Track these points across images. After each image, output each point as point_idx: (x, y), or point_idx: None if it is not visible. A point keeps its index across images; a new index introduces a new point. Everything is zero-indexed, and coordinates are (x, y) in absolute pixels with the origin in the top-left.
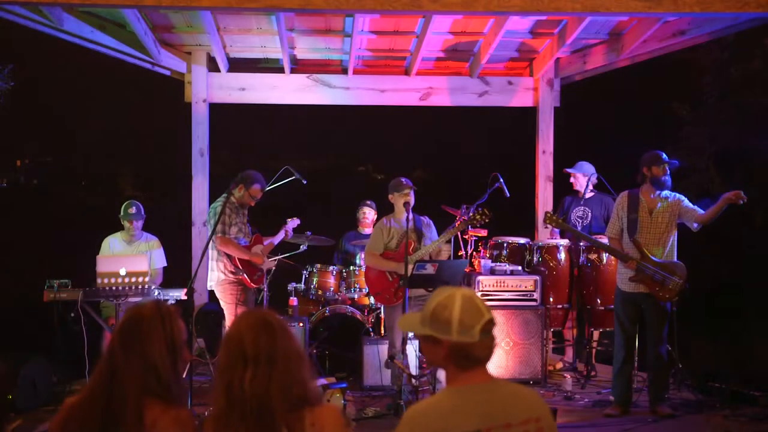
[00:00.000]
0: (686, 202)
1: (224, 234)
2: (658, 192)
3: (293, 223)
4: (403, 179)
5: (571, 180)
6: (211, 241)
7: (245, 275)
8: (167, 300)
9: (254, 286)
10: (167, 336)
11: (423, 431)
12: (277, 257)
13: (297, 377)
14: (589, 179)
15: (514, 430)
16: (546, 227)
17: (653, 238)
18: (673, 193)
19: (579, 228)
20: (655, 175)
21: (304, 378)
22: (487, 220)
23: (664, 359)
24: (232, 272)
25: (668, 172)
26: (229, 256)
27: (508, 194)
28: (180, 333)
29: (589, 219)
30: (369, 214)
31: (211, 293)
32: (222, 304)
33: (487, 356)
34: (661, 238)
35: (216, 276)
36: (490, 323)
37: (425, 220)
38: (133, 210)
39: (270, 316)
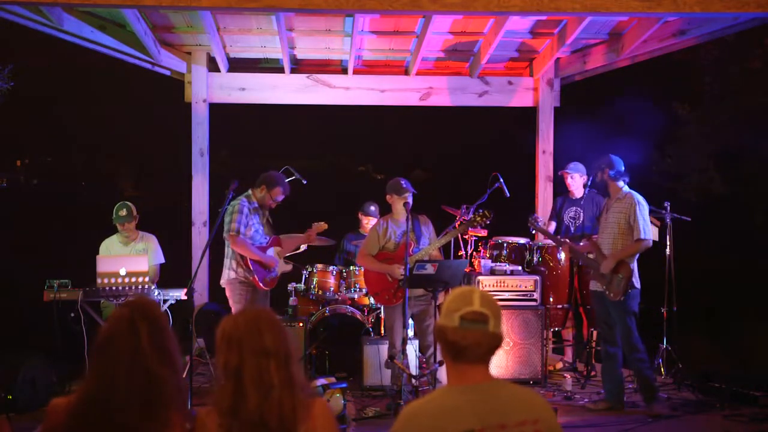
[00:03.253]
0: (638, 213)
1: (237, 233)
2: (618, 191)
3: (316, 227)
4: (402, 182)
5: (568, 181)
6: (225, 240)
7: (256, 277)
8: (167, 300)
9: (264, 288)
10: (158, 336)
11: (416, 428)
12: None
13: (302, 377)
14: (588, 180)
15: (509, 431)
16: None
17: (605, 236)
18: (634, 195)
19: (572, 229)
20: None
21: (303, 377)
22: (487, 222)
23: (637, 359)
24: (243, 273)
25: (596, 175)
26: (242, 257)
27: (508, 194)
28: (165, 325)
29: (581, 219)
30: (372, 222)
31: (211, 293)
32: (230, 302)
33: (467, 348)
34: (610, 237)
35: (227, 274)
36: (476, 314)
37: (422, 218)
38: (123, 212)
39: (276, 317)
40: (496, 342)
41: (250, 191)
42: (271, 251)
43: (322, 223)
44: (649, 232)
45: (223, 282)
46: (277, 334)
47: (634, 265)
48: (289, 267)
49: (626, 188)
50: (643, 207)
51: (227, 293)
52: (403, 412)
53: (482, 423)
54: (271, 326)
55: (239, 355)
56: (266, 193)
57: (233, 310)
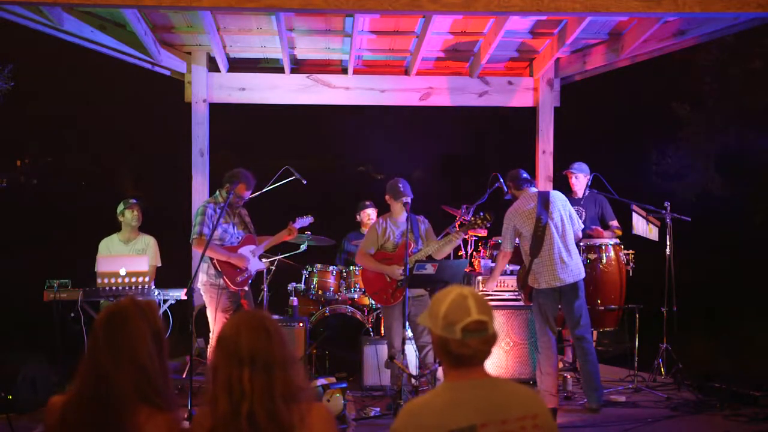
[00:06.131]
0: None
1: (200, 235)
2: None
3: (302, 221)
4: (400, 185)
5: (572, 180)
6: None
7: (225, 278)
8: (167, 300)
9: (235, 288)
10: (153, 333)
11: (418, 425)
12: (276, 257)
13: (295, 382)
14: (589, 179)
15: (510, 426)
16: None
17: None
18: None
19: None
20: None
21: (300, 382)
22: (488, 225)
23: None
24: (213, 275)
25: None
26: (211, 258)
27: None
28: (162, 326)
29: (583, 218)
30: (372, 214)
31: None
32: (206, 305)
33: (472, 356)
34: None
35: (201, 277)
36: (477, 324)
37: (420, 218)
38: (133, 200)
39: (266, 320)
40: (495, 342)
41: (217, 192)
42: (244, 250)
43: (309, 216)
44: (505, 242)
45: (198, 285)
46: (259, 339)
47: (535, 266)
48: (265, 265)
49: (528, 191)
50: (506, 218)
51: (203, 296)
52: (404, 408)
53: (484, 418)
54: (254, 331)
55: (217, 357)
56: (231, 191)
57: (208, 312)
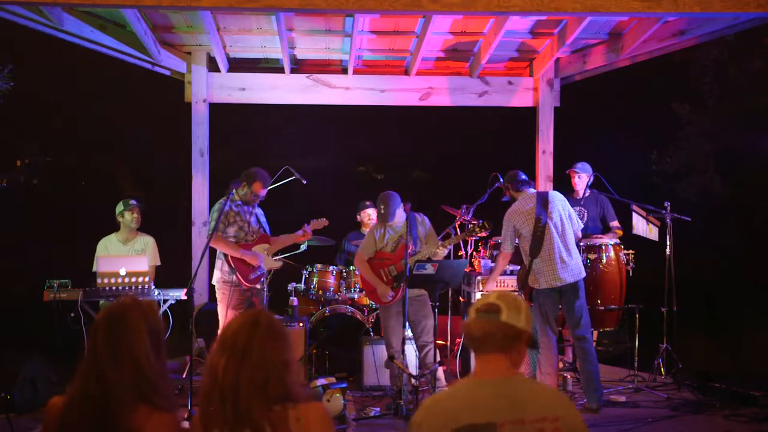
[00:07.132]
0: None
1: (216, 232)
2: None
3: (315, 224)
4: (382, 209)
5: (575, 180)
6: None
7: (238, 274)
8: (167, 300)
9: (248, 285)
10: (151, 332)
11: (435, 416)
12: (279, 257)
13: (273, 376)
14: (590, 179)
15: (527, 427)
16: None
17: None
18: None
19: None
20: None
21: (285, 378)
22: (487, 233)
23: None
24: (227, 271)
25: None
26: (226, 255)
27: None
28: (161, 326)
29: (585, 219)
30: (373, 214)
31: (211, 293)
32: (217, 301)
33: (482, 339)
34: None
35: (215, 274)
36: (489, 306)
37: (419, 217)
38: (133, 201)
39: (262, 317)
40: (510, 332)
41: (233, 190)
42: (258, 248)
43: (323, 219)
44: (505, 243)
45: (213, 281)
46: (243, 329)
47: (535, 266)
48: (278, 264)
49: (526, 192)
50: (506, 219)
51: (216, 292)
52: (427, 400)
53: (499, 417)
54: (244, 323)
55: (214, 344)
56: (247, 189)
57: (219, 310)
